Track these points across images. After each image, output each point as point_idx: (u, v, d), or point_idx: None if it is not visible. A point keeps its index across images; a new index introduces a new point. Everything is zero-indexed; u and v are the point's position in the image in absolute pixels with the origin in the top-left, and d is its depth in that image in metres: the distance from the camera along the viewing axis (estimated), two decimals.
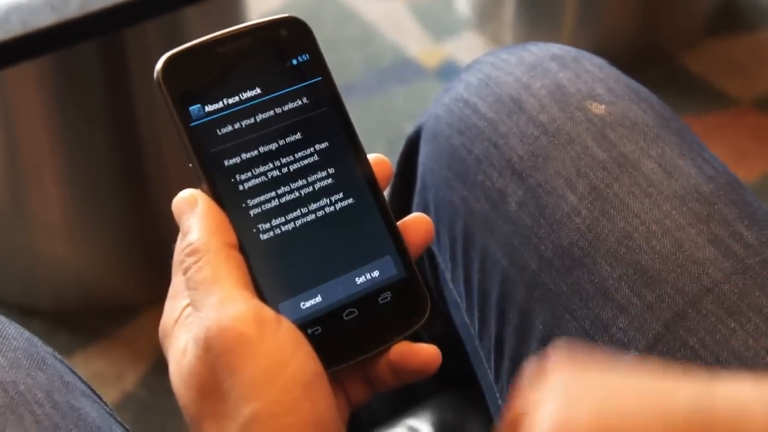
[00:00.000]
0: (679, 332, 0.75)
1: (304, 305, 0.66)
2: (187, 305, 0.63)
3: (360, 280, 0.68)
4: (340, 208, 0.68)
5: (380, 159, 0.69)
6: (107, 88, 1.42)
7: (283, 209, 0.67)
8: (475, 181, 0.85)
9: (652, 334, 0.76)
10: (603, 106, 0.84)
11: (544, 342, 0.80)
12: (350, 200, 0.69)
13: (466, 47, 2.06)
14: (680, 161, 0.82)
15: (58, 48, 1.16)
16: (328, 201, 0.68)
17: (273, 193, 0.67)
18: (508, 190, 0.83)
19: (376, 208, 0.69)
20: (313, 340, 0.63)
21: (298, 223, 0.67)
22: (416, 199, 0.92)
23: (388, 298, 0.68)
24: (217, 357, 0.59)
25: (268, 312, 0.61)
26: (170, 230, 0.70)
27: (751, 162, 1.83)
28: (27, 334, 0.83)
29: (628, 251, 0.78)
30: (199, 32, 0.71)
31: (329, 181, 0.68)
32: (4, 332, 0.80)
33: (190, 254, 0.63)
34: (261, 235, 0.66)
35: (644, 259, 0.78)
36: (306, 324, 0.65)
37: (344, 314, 0.67)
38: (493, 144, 0.85)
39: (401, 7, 2.12)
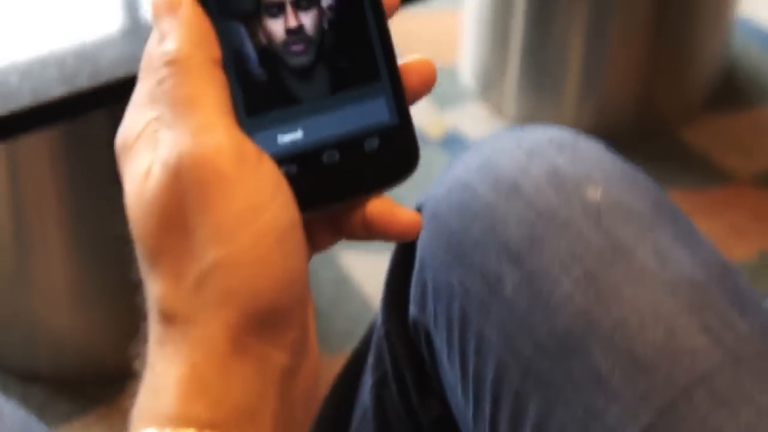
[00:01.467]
0: (671, 422, 0.75)
1: (282, 139, 0.61)
2: (153, 120, 0.58)
3: (347, 120, 0.63)
4: (337, 37, 0.62)
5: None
6: (114, 157, 1.42)
7: (275, 25, 0.61)
8: (472, 263, 0.85)
9: (644, 423, 0.75)
10: (599, 192, 0.84)
11: (538, 429, 0.79)
12: (349, 29, 0.63)
13: (470, 117, 2.08)
14: (674, 248, 0.82)
15: (68, 119, 1.16)
16: (325, 26, 0.62)
17: (273, 13, 0.62)
18: (504, 273, 0.83)
19: (378, 41, 0.62)
20: (286, 177, 0.60)
21: (291, 46, 0.62)
22: (414, 278, 0.91)
23: (375, 145, 0.63)
24: (187, 189, 0.55)
25: (250, 147, 0.57)
26: None
27: (749, 239, 1.84)
28: (22, 413, 0.82)
29: (621, 339, 0.78)
30: None
31: (334, 5, 0.62)
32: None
33: (167, 64, 0.57)
34: (247, 53, 0.61)
35: (637, 347, 0.77)
36: (281, 160, 0.60)
37: (324, 155, 0.62)
38: (491, 228, 0.85)
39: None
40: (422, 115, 2.05)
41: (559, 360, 0.80)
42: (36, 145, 1.39)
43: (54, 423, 1.58)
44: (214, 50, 0.58)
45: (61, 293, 1.61)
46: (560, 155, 0.88)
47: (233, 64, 0.60)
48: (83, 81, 1.11)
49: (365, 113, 0.63)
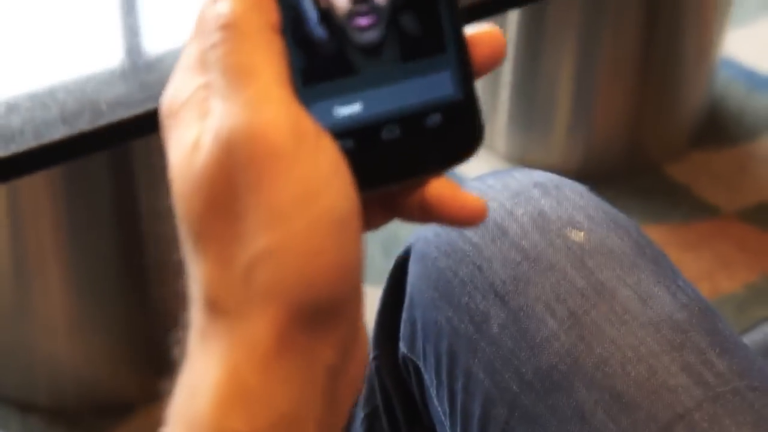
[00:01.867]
0: None
1: (339, 112, 0.56)
2: (203, 86, 0.53)
3: (409, 93, 0.58)
4: (404, 9, 0.58)
5: None
6: (113, 194, 1.43)
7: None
8: (459, 302, 0.86)
9: None
10: (582, 234, 0.85)
11: None
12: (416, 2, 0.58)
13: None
14: (655, 289, 0.83)
15: (70, 159, 1.15)
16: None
17: None
18: (491, 312, 0.83)
19: (444, 12, 0.58)
20: (346, 153, 0.55)
21: (356, 15, 0.57)
22: (404, 316, 0.91)
23: (438, 121, 0.57)
24: (239, 165, 0.51)
25: (309, 123, 0.52)
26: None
27: (734, 271, 1.85)
28: None
29: (604, 376, 0.79)
30: None
31: None
32: None
33: (222, 28, 0.52)
34: (307, 16, 0.56)
35: (619, 384, 0.78)
36: (338, 135, 0.55)
37: (383, 130, 0.57)
38: (478, 267, 0.85)
39: None
40: None
41: (545, 397, 0.80)
42: (36, 182, 1.39)
43: None
44: (272, 14, 0.54)
45: (59, 325, 1.60)
46: (545, 198, 0.88)
47: (291, 29, 0.55)
48: (84, 123, 1.10)
49: (429, 86, 0.59)
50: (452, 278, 0.87)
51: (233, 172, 0.49)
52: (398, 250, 0.99)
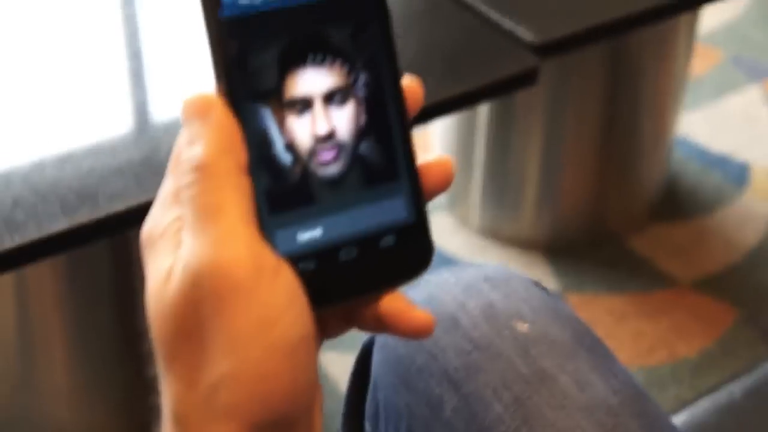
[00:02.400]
0: None
1: (301, 237, 0.57)
2: (177, 219, 0.55)
3: (366, 218, 0.59)
4: (361, 138, 0.59)
5: (413, 84, 0.60)
6: (112, 276, 1.44)
7: (302, 127, 0.58)
8: (417, 387, 0.85)
9: None
10: (527, 325, 0.85)
11: None
12: (376, 128, 0.59)
13: (440, 228, 2.07)
14: (591, 375, 0.83)
15: (69, 249, 1.16)
16: (356, 129, 0.59)
17: (301, 109, 0.58)
18: (444, 397, 0.83)
19: (400, 141, 0.60)
20: (303, 275, 0.56)
21: (325, 147, 0.58)
22: (369, 397, 0.92)
23: (391, 242, 0.59)
24: (204, 297, 0.52)
25: (269, 258, 0.53)
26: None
27: (690, 338, 1.85)
28: None
29: None
30: None
31: (359, 103, 0.59)
32: None
33: (194, 170, 0.54)
34: (275, 154, 0.57)
35: None
36: (300, 257, 0.56)
37: (341, 252, 0.58)
38: (433, 356, 0.85)
39: None
40: None
41: None
42: (41, 266, 1.36)
43: None
44: (241, 156, 0.55)
45: (62, 394, 1.60)
46: (494, 292, 0.88)
47: (259, 165, 0.56)
48: (84, 216, 1.12)
49: (383, 211, 0.60)
50: (410, 365, 0.87)
51: (199, 303, 0.51)
52: None
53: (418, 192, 0.59)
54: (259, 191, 0.55)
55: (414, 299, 0.85)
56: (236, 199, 0.53)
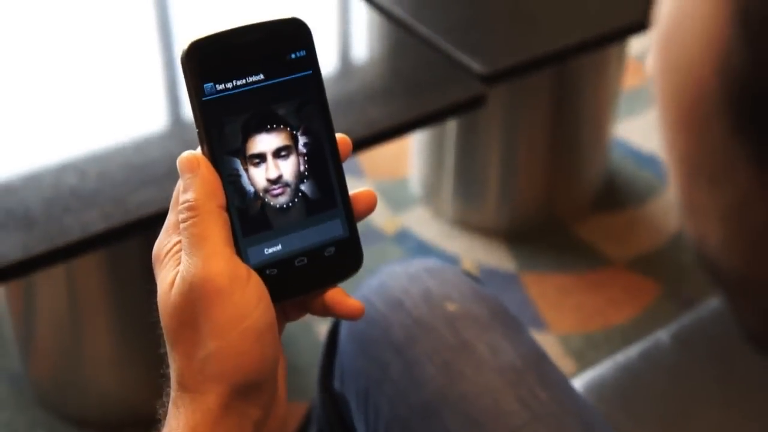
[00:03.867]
0: None
1: (267, 251, 0.63)
2: (177, 243, 0.60)
3: (313, 235, 0.65)
4: (306, 180, 0.64)
5: (343, 138, 0.65)
6: (142, 266, 1.31)
7: (259, 174, 0.63)
8: (371, 355, 0.91)
9: None
10: (455, 305, 0.91)
11: None
12: (315, 173, 0.64)
13: (417, 218, 2.07)
14: (503, 343, 0.89)
15: (108, 245, 1.17)
16: (297, 173, 0.64)
17: (258, 161, 0.63)
18: (391, 362, 0.89)
19: (335, 181, 0.65)
20: (268, 278, 0.61)
21: (275, 187, 0.64)
22: (336, 363, 0.96)
23: (332, 252, 0.65)
24: (197, 299, 0.58)
25: (242, 270, 0.59)
26: None
27: (621, 308, 1.87)
28: None
29: (465, 406, 0.85)
30: None
31: (305, 156, 0.64)
32: None
33: (188, 209, 0.60)
34: (243, 194, 0.63)
35: (474, 411, 0.84)
36: (266, 266, 0.62)
37: (296, 261, 0.64)
38: (383, 330, 0.91)
39: (369, 186, 2.05)
40: (380, 216, 2.06)
41: (425, 420, 0.85)
42: (86, 260, 1.40)
43: None
44: (221, 198, 0.60)
45: (105, 360, 1.61)
46: (431, 280, 0.93)
47: (234, 202, 0.61)
48: (118, 219, 1.14)
49: (326, 230, 0.65)
50: (366, 337, 0.92)
51: (193, 303, 0.58)
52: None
53: (350, 215, 0.65)
54: (234, 221, 0.61)
55: (370, 285, 0.93)
56: (217, 230, 0.59)
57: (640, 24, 1.49)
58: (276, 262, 0.64)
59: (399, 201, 2.14)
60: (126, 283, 1.55)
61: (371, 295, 0.95)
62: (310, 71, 0.64)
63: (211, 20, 1.50)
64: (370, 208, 0.66)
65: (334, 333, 0.98)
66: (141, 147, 1.27)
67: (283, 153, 0.63)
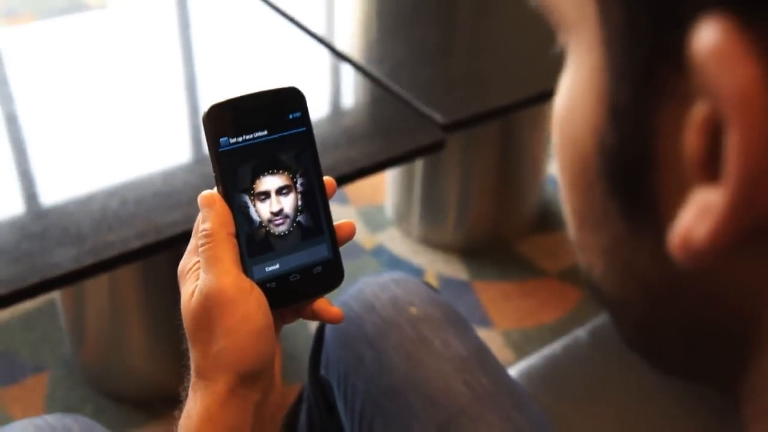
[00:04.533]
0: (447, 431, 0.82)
1: (267, 269, 0.63)
2: (197, 263, 0.61)
3: (305, 256, 0.65)
4: (301, 213, 0.64)
5: (329, 180, 0.65)
6: (170, 275, 1.40)
7: (266, 210, 0.64)
8: (349, 347, 0.91)
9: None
10: (416, 309, 0.91)
11: None
12: (308, 207, 0.65)
13: (390, 237, 2.07)
14: (454, 340, 0.89)
15: (142, 259, 1.15)
16: (295, 207, 0.64)
17: (264, 198, 0.63)
18: (365, 353, 0.89)
19: (323, 214, 0.65)
20: (268, 290, 0.61)
21: (277, 219, 0.64)
22: (323, 353, 0.95)
23: (320, 270, 0.65)
24: (211, 306, 0.58)
25: (246, 284, 0.59)
26: None
27: (551, 310, 1.87)
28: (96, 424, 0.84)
29: (423, 387, 0.85)
30: None
31: (298, 195, 0.64)
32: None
33: (205, 236, 0.60)
34: (250, 224, 0.63)
35: (430, 391, 0.84)
36: (266, 281, 0.62)
37: (291, 277, 0.64)
38: (359, 327, 0.91)
39: (353, 210, 2.13)
40: (361, 234, 2.05)
41: (393, 399, 0.86)
42: (125, 270, 1.37)
43: (133, 429, 1.58)
44: (231, 227, 0.61)
45: (140, 350, 1.60)
46: (398, 288, 0.94)
47: (243, 230, 0.62)
48: (151, 238, 1.13)
49: (315, 252, 0.65)
50: (345, 333, 0.92)
51: (208, 310, 0.59)
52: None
53: (334, 241, 0.66)
54: (242, 245, 0.62)
55: (350, 292, 0.92)
56: (227, 253, 0.60)
57: None
58: (274, 277, 0.64)
59: (376, 223, 2.13)
60: (157, 289, 1.54)
61: (350, 299, 0.94)
62: (305, 128, 0.64)
63: (226, 79, 1.50)
64: (351, 235, 0.67)
65: (321, 330, 0.97)
66: (169, 179, 1.26)
67: (284, 191, 0.64)
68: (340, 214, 2.13)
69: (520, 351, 1.75)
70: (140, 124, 1.37)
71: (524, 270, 2.00)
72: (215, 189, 0.63)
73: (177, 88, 1.48)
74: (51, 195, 1.21)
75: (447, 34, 1.65)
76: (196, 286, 0.60)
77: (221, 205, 0.61)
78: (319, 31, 1.65)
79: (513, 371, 1.12)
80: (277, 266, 0.64)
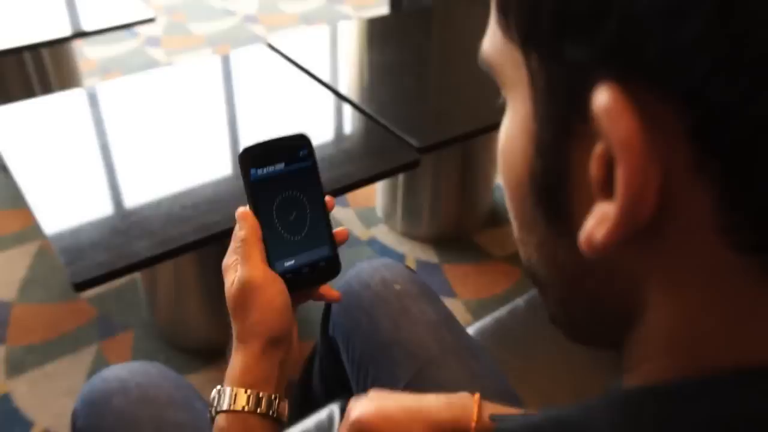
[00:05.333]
0: (420, 379, 0.80)
1: (286, 264, 0.62)
2: (235, 260, 0.60)
3: (312, 255, 0.64)
4: (309, 224, 0.63)
5: (329, 198, 0.65)
6: (217, 259, 1.45)
7: (284, 221, 0.62)
8: (350, 315, 0.89)
9: (408, 378, 0.80)
10: (399, 286, 0.89)
11: (373, 381, 0.83)
12: (315, 220, 0.64)
13: (380, 231, 2.02)
14: (428, 308, 0.87)
15: (197, 249, 1.12)
16: (305, 220, 0.63)
17: (282, 213, 0.62)
18: (362, 319, 0.87)
19: (325, 224, 0.64)
20: (287, 279, 0.60)
21: (291, 229, 0.63)
22: (330, 317, 0.92)
23: (324, 265, 0.64)
24: (246, 291, 0.57)
25: (271, 275, 0.59)
26: None
27: (500, 284, 1.83)
28: (182, 379, 0.83)
29: (405, 344, 0.83)
30: None
31: (307, 210, 0.63)
32: (171, 376, 0.82)
33: (241, 241, 0.59)
34: (272, 233, 0.62)
35: (411, 347, 0.83)
36: (285, 273, 0.61)
37: (303, 270, 0.63)
38: (357, 300, 0.88)
39: (351, 212, 2.08)
40: (358, 230, 2.01)
41: (382, 352, 0.84)
42: (186, 256, 1.29)
43: (192, 372, 1.55)
44: (259, 234, 0.60)
45: (198, 313, 1.57)
46: (386, 271, 0.91)
47: (267, 236, 0.61)
48: (203, 233, 1.11)
49: (319, 252, 0.64)
50: (347, 304, 0.89)
51: (244, 294, 0.58)
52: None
53: (333, 244, 0.65)
54: (267, 247, 0.61)
55: (350, 274, 0.89)
56: (256, 253, 0.59)
57: None
58: (291, 270, 0.63)
59: (369, 221, 2.08)
60: (209, 270, 1.52)
61: (351, 279, 0.92)
62: (311, 162, 0.64)
63: (258, 116, 1.49)
64: (345, 239, 0.67)
65: (329, 303, 0.94)
66: (216, 189, 1.24)
67: (297, 207, 0.63)
68: (342, 214, 2.09)
69: (477, 315, 1.73)
70: (196, 149, 1.36)
71: (479, 255, 1.97)
72: (248, 206, 0.62)
73: (222, 123, 1.47)
74: (132, 202, 1.20)
75: (421, 81, 1.63)
76: (236, 276, 0.59)
77: (252, 218, 0.61)
78: (326, 78, 1.65)
79: (471, 330, 1.10)
80: (293, 262, 0.63)
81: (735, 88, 0.22)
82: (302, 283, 0.63)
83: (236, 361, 0.58)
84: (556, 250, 0.30)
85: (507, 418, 0.35)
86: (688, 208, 0.24)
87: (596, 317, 0.32)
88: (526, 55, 0.28)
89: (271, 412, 0.57)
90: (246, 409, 0.56)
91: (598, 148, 0.25)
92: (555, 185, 0.28)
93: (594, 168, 0.26)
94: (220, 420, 0.56)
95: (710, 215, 0.24)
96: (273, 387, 0.58)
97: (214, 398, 0.58)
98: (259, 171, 0.62)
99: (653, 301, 0.28)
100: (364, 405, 0.57)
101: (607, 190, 0.25)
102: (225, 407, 0.56)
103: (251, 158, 0.61)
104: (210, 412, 0.58)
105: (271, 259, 0.61)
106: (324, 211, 0.64)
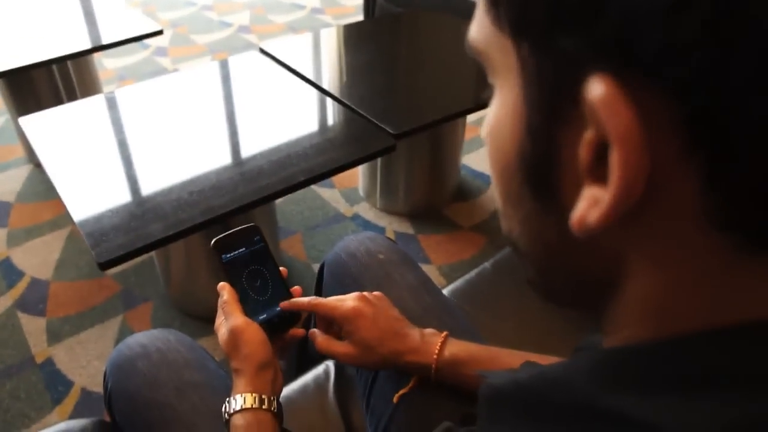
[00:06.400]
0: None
1: (259, 318, 0.67)
2: (222, 318, 0.65)
3: (276, 309, 0.68)
4: (271, 287, 0.68)
5: (283, 269, 0.70)
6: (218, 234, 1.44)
7: (253, 288, 0.67)
8: (340, 281, 0.86)
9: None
10: (382, 255, 0.86)
11: None
12: (275, 284, 0.69)
13: (362, 208, 1.99)
14: (408, 275, 0.85)
15: (202, 230, 1.10)
16: (268, 285, 0.68)
17: (250, 282, 0.67)
18: (350, 285, 0.84)
19: (284, 287, 0.69)
20: (261, 326, 0.65)
21: (259, 292, 0.67)
22: (323, 284, 0.90)
23: (287, 314, 0.69)
24: (235, 335, 0.62)
25: (249, 320, 0.64)
26: None
27: (468, 251, 1.80)
28: (186, 337, 0.82)
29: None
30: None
31: (268, 278, 0.68)
32: (186, 341, 0.81)
33: (224, 303, 0.65)
34: (245, 297, 0.67)
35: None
36: (260, 324, 0.65)
37: (273, 320, 0.68)
38: (345, 269, 0.86)
39: (337, 192, 2.04)
40: (343, 207, 1.97)
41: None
42: (194, 236, 1.30)
43: (204, 336, 1.54)
44: (236, 297, 0.66)
45: (206, 284, 1.55)
46: (371, 243, 0.89)
47: (243, 297, 0.67)
48: (208, 215, 1.09)
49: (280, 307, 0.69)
50: (336, 273, 0.87)
51: (233, 338, 0.63)
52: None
53: (291, 297, 0.70)
54: (243, 306, 0.66)
55: (338, 245, 0.86)
56: (236, 309, 0.65)
57: (472, 108, 1.49)
58: (264, 321, 0.67)
59: (352, 199, 2.04)
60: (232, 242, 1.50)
61: (339, 251, 0.90)
62: (264, 244, 0.69)
63: (253, 112, 1.44)
64: (300, 294, 0.71)
65: (321, 272, 0.93)
66: (218, 177, 1.22)
67: (259, 277, 0.69)
68: (329, 194, 2.06)
69: (449, 278, 1.73)
70: (200, 143, 1.34)
71: (450, 226, 1.94)
72: (225, 281, 0.68)
73: (222, 120, 1.45)
74: (146, 190, 1.18)
75: (394, 78, 1.62)
76: (225, 328, 0.64)
77: (229, 288, 0.67)
78: (311, 77, 1.63)
79: (446, 291, 1.08)
80: (265, 315, 0.68)
81: (729, 82, 0.20)
82: (274, 329, 0.67)
83: (238, 383, 0.62)
84: (541, 226, 0.29)
85: (495, 374, 0.34)
86: (673, 191, 0.23)
87: (575, 285, 0.30)
88: (517, 44, 0.26)
89: (272, 409, 0.61)
90: (254, 406, 0.60)
91: (588, 134, 0.24)
92: (544, 165, 0.27)
93: (583, 152, 0.24)
94: (236, 419, 0.59)
95: (692, 198, 0.23)
96: (268, 396, 0.62)
97: (225, 407, 0.61)
98: (228, 255, 0.68)
99: (632, 271, 0.27)
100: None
101: (595, 173, 0.24)
102: (237, 408, 0.60)
103: (221, 246, 0.68)
104: (224, 416, 0.61)
105: (249, 315, 0.66)
106: (280, 278, 0.70)
